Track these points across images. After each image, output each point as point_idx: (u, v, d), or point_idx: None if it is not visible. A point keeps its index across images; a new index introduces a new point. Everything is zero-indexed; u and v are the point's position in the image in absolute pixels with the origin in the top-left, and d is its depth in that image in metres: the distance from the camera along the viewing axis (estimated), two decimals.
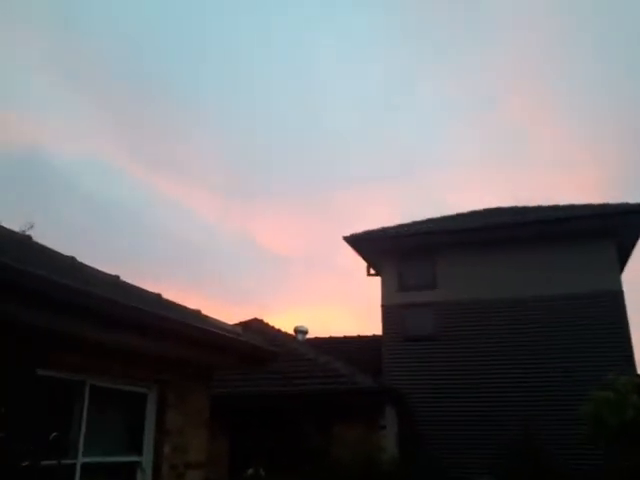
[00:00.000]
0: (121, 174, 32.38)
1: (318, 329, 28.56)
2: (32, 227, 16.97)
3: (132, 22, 28.30)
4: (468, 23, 27.70)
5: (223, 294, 35.70)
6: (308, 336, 16.69)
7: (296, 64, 32.44)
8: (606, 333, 13.74)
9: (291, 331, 16.38)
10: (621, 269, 15.36)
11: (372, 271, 16.69)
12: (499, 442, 12.98)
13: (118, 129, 32.36)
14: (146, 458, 5.87)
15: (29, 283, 3.78)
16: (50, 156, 31.41)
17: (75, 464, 5.00)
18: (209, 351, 5.99)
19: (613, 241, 14.47)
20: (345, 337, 17.73)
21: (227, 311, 44.76)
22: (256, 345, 6.90)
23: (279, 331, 15.65)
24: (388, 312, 15.69)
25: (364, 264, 16.79)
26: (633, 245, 15.12)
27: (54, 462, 4.61)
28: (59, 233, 22.93)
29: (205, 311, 6.81)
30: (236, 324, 12.03)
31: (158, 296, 6.39)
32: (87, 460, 5.10)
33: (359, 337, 17.47)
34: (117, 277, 6.17)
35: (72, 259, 5.76)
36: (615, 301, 13.99)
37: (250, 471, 11.02)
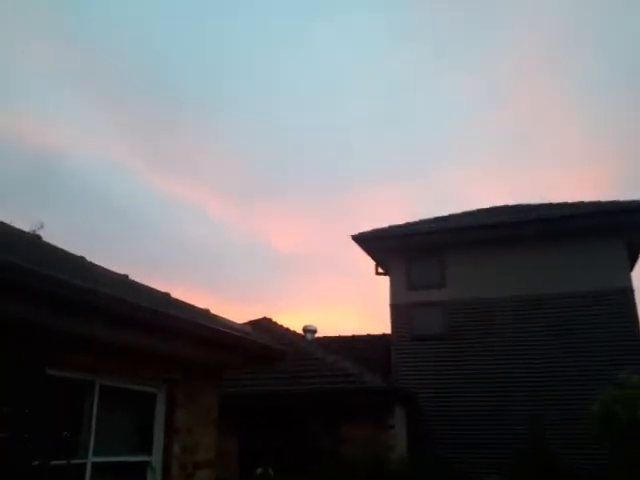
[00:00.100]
0: (134, 175, 32.59)
1: (327, 328, 28.55)
2: (42, 227, 17.09)
3: (149, 26, 28.46)
4: (475, 23, 27.70)
5: (233, 294, 35.78)
6: (317, 335, 16.67)
7: (306, 65, 32.53)
8: (616, 331, 13.65)
9: (300, 330, 16.37)
10: (631, 267, 15.25)
11: (380, 270, 16.65)
12: (507, 441, 12.94)
13: (131, 131, 32.52)
14: (156, 457, 5.88)
15: (38, 283, 3.79)
16: (64, 158, 31.61)
17: (85, 463, 5.01)
18: (218, 350, 5.99)
19: (622, 239, 14.37)
20: (354, 336, 17.70)
21: (237, 311, 44.89)
22: (264, 344, 6.90)
23: (288, 330, 15.65)
24: (397, 311, 15.65)
25: (372, 263, 16.77)
26: None
27: (64, 462, 4.62)
28: (71, 234, 23.11)
29: (215, 310, 6.83)
30: (245, 323, 12.06)
31: (167, 295, 6.41)
32: (97, 460, 5.11)
33: (368, 336, 17.44)
34: (126, 276, 6.19)
35: (81, 259, 5.79)
36: (625, 298, 13.89)
37: (259, 470, 11.03)
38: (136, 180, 32.90)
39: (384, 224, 16.60)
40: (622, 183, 31.41)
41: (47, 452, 4.40)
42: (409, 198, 33.13)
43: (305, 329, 16.32)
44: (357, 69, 31.66)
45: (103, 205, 30.36)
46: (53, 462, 4.45)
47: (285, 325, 15.94)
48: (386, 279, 16.27)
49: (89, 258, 5.94)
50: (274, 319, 15.87)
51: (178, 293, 6.58)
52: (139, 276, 6.32)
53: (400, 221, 16.86)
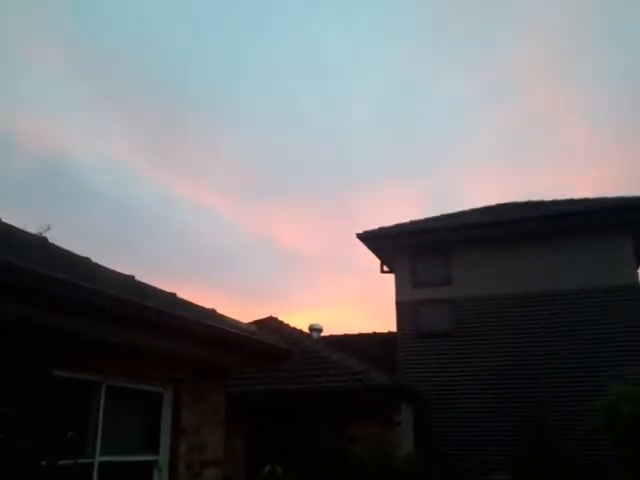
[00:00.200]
0: (138, 175, 32.66)
1: (333, 327, 28.59)
2: (49, 229, 17.19)
3: (149, 26, 28.51)
4: (476, 23, 27.68)
5: (240, 293, 35.85)
6: (323, 334, 16.68)
7: (312, 63, 32.50)
8: (623, 327, 13.61)
9: (306, 329, 16.39)
10: (638, 263, 15.20)
11: (386, 268, 16.64)
12: (513, 438, 12.92)
13: (135, 131, 32.61)
14: (162, 457, 5.91)
15: (44, 285, 3.82)
16: (67, 158, 31.71)
17: (92, 463, 5.05)
18: (224, 350, 6.01)
19: (629, 235, 14.33)
20: (360, 334, 17.72)
21: (244, 310, 44.94)
22: (271, 343, 6.91)
23: (294, 329, 15.69)
24: (402, 309, 15.66)
25: (378, 261, 16.76)
26: None
27: (71, 461, 4.65)
28: (80, 235, 23.20)
29: (222, 310, 6.85)
30: (252, 323, 12.07)
31: (173, 296, 6.43)
32: (104, 459, 5.15)
33: (374, 334, 17.45)
34: (132, 277, 6.21)
35: (87, 260, 5.81)
36: (632, 295, 13.85)
37: (267, 468, 11.06)
38: (141, 180, 33.02)
39: (389, 223, 16.62)
40: (622, 183, 31.42)
41: (54, 452, 4.43)
42: (414, 197, 33.14)
43: (311, 328, 16.34)
44: (358, 69, 31.69)
45: (109, 205, 30.48)
46: (60, 462, 4.49)
47: (291, 324, 16.00)
48: (392, 277, 16.27)
49: (97, 260, 5.97)
50: (280, 318, 15.92)
51: (186, 294, 6.61)
52: (147, 277, 6.35)
53: (406, 219, 16.87)
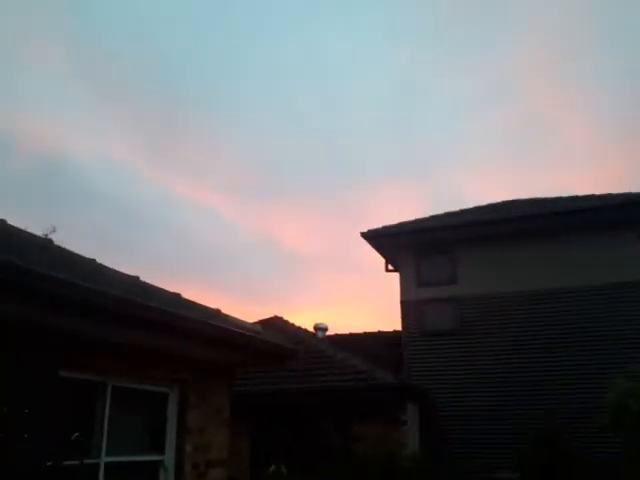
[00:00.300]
0: (140, 176, 32.69)
1: (338, 326, 28.59)
2: (54, 230, 17.22)
3: (149, 25, 28.55)
4: (482, 21, 27.65)
5: (245, 293, 35.87)
6: (328, 333, 16.68)
7: (312, 63, 32.49)
8: (631, 324, 13.56)
9: (311, 328, 16.40)
10: None
11: (390, 267, 16.63)
12: (520, 436, 12.89)
13: (136, 131, 32.65)
14: (168, 457, 5.92)
15: (49, 286, 3.83)
16: (70, 159, 31.77)
17: (98, 463, 5.06)
18: (229, 350, 6.02)
19: (636, 231, 14.24)
20: (365, 333, 17.71)
21: (249, 310, 44.99)
22: (275, 343, 6.92)
23: (299, 329, 15.68)
24: (407, 308, 15.63)
25: (382, 260, 16.74)
26: None
27: (77, 462, 4.67)
28: (81, 235, 23.26)
29: (226, 310, 6.86)
30: (257, 322, 12.09)
31: (177, 296, 6.45)
32: (110, 459, 5.16)
33: (379, 333, 17.43)
34: (137, 278, 6.23)
35: (92, 261, 5.83)
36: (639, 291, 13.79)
37: (272, 468, 11.08)
38: (141, 180, 33.04)
39: (390, 222, 16.60)
40: (623, 183, 31.39)
41: (60, 452, 4.44)
42: (414, 196, 33.08)
43: (316, 327, 16.35)
44: (358, 69, 31.69)
45: (109, 205, 30.52)
46: (66, 462, 4.50)
47: (296, 324, 15.99)
48: (396, 276, 16.25)
49: (101, 261, 6.00)
50: (285, 318, 15.92)
51: (187, 294, 6.62)
52: (148, 277, 6.37)
53: (406, 219, 16.83)
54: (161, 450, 5.89)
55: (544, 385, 13.63)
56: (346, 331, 18.05)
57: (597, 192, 15.60)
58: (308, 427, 11.58)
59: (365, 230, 16.10)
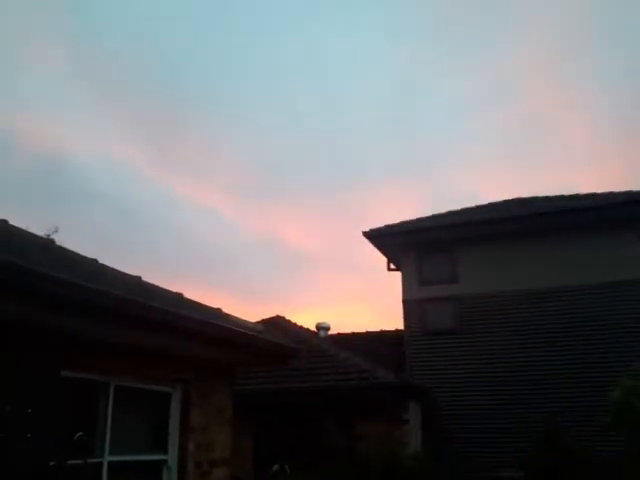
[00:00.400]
0: (140, 176, 32.73)
1: (340, 325, 28.59)
2: (57, 231, 17.25)
3: (149, 25, 28.58)
4: (482, 21, 27.67)
5: (246, 293, 35.91)
6: (330, 332, 16.69)
7: (312, 63, 32.51)
8: (632, 323, 13.55)
9: (313, 328, 16.41)
10: None
11: (392, 266, 16.63)
12: (523, 435, 12.89)
13: (136, 131, 32.67)
14: (171, 456, 5.94)
15: (51, 286, 3.84)
16: (70, 159, 31.81)
17: (102, 463, 5.08)
18: (231, 349, 6.04)
19: (636, 231, 14.22)
20: (367, 332, 17.72)
21: (250, 310, 45.00)
22: (277, 342, 6.94)
23: (301, 328, 15.69)
24: (409, 307, 15.64)
25: (384, 259, 16.75)
26: None
27: (80, 461, 4.69)
28: (82, 235, 23.29)
29: (228, 310, 6.88)
30: (258, 322, 12.10)
31: (179, 295, 6.47)
32: (113, 459, 5.18)
33: (381, 332, 17.44)
34: (139, 278, 6.25)
35: (94, 261, 5.85)
36: None
37: (275, 467, 11.08)
38: (141, 180, 33.09)
39: (390, 221, 16.58)
40: (623, 182, 31.37)
41: (63, 452, 4.46)
42: (414, 196, 33.10)
43: (318, 326, 16.36)
44: (358, 69, 31.70)
45: (109, 205, 30.56)
46: (70, 462, 4.52)
47: (298, 323, 16.00)
48: (398, 275, 16.26)
49: (102, 261, 6.02)
50: (287, 317, 15.93)
51: (191, 294, 6.64)
52: (149, 277, 6.38)
53: (406, 219, 16.82)
54: (164, 449, 5.91)
55: (546, 383, 13.62)
56: (348, 330, 18.08)
57: (617, 184, 15.57)
58: (310, 426, 11.58)
59: (367, 229, 16.12)
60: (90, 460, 4.87)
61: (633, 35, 26.39)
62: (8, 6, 22.23)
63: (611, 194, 15.05)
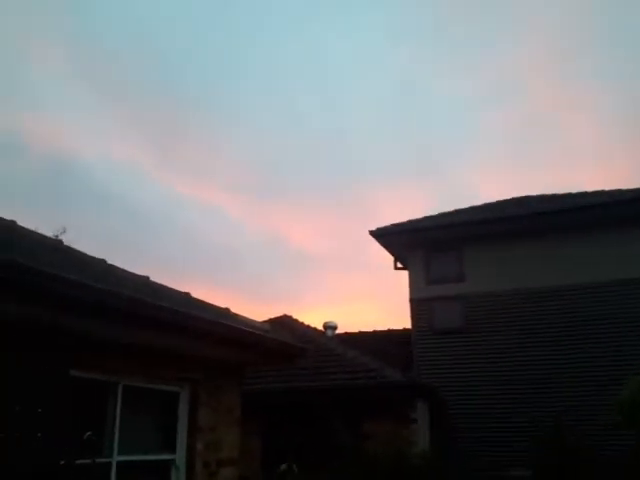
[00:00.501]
0: (144, 177, 32.80)
1: (347, 324, 28.59)
2: (65, 232, 17.31)
3: (150, 25, 28.64)
4: (483, 21, 27.61)
5: (254, 292, 35.93)
6: (337, 332, 16.69)
7: (313, 64, 32.49)
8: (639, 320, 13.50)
9: (321, 327, 16.41)
10: None
11: (399, 265, 16.61)
12: (531, 434, 12.84)
13: (138, 131, 32.72)
14: (179, 456, 5.95)
15: (61, 287, 3.85)
16: (70, 159, 31.86)
17: (110, 462, 5.09)
18: (239, 349, 6.04)
19: None
20: (375, 332, 17.70)
21: (254, 309, 45.07)
22: (285, 342, 6.94)
23: (308, 327, 15.69)
24: (416, 305, 15.61)
25: (391, 258, 16.73)
26: None
27: (89, 461, 4.70)
28: (89, 236, 23.36)
29: (235, 310, 6.88)
30: (266, 321, 12.11)
31: (187, 295, 6.48)
32: (122, 458, 5.19)
33: (389, 331, 17.42)
34: (147, 278, 6.26)
35: (103, 262, 5.86)
36: None
37: (283, 467, 11.08)
38: (145, 180, 33.15)
39: (399, 220, 16.57)
40: (627, 181, 31.21)
41: (72, 451, 4.47)
42: (430, 193, 33.06)
43: (325, 326, 16.36)
44: (359, 69, 31.67)
45: (115, 206, 30.64)
46: (79, 461, 4.53)
47: (306, 322, 15.99)
48: (405, 274, 16.24)
49: (109, 261, 6.03)
50: (295, 316, 15.93)
51: (198, 293, 6.65)
52: (159, 278, 6.40)
53: (407, 218, 16.78)
54: (172, 449, 5.92)
55: (553, 382, 13.59)
56: (355, 329, 18.07)
57: (624, 182, 15.53)
58: (318, 425, 11.58)
59: (374, 228, 16.10)
60: (99, 460, 4.89)
61: (633, 35, 26.35)
62: (8, 6, 22.32)
63: (618, 191, 14.98)
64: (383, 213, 38.87)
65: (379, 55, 31.29)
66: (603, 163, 29.36)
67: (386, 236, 16.16)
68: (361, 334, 17.63)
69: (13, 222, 5.47)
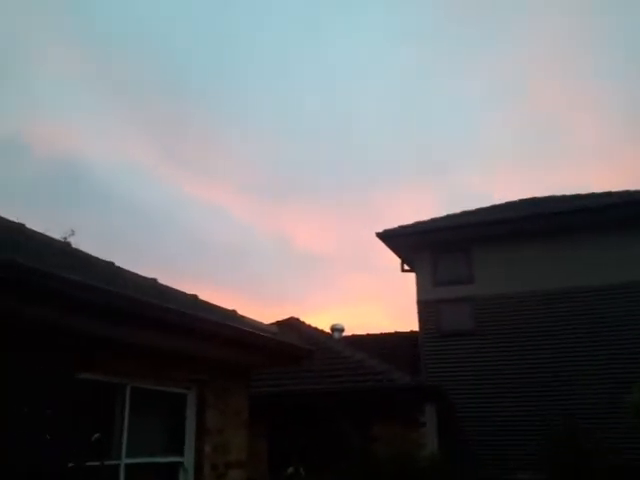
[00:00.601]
0: (149, 177, 32.89)
1: (355, 327, 28.57)
2: (73, 234, 17.36)
3: (153, 28, 28.76)
4: (485, 20, 27.58)
5: (256, 294, 35.93)
6: (345, 334, 16.67)
7: (324, 65, 32.49)
8: None
9: (328, 329, 16.40)
10: None
11: (406, 267, 16.57)
12: (541, 438, 12.77)
13: (151, 132, 32.83)
14: (188, 458, 5.95)
15: (69, 289, 3.86)
16: (71, 159, 31.93)
17: (119, 464, 5.10)
18: (246, 351, 6.04)
19: None
20: (382, 334, 17.65)
21: (261, 311, 45.05)
22: (291, 344, 6.94)
23: (315, 329, 15.68)
24: (423, 308, 15.57)
25: (398, 260, 16.70)
26: None
27: (98, 463, 4.71)
28: (94, 237, 23.42)
29: (242, 312, 6.88)
30: (273, 323, 12.12)
31: (195, 297, 6.48)
32: (130, 461, 5.20)
33: (396, 334, 17.36)
34: (155, 280, 6.28)
35: (110, 264, 5.88)
36: None
37: (290, 469, 11.07)
38: (151, 181, 33.25)
39: (407, 221, 16.54)
40: (631, 181, 31.08)
41: (81, 453, 4.48)
42: (437, 195, 33.01)
43: (333, 328, 16.35)
44: (376, 68, 31.64)
45: (121, 206, 30.69)
46: (87, 463, 4.54)
47: (313, 325, 15.99)
48: (412, 276, 16.20)
49: (118, 263, 6.05)
50: (302, 319, 15.93)
51: (204, 295, 6.65)
52: (165, 279, 6.41)
53: (413, 219, 16.75)
54: (180, 451, 5.92)
55: (564, 385, 13.50)
56: (362, 332, 18.04)
57: (613, 190, 15.44)
58: (325, 428, 11.57)
59: (380, 230, 16.07)
60: (107, 462, 4.89)
61: (633, 35, 26.26)
62: (8, 6, 22.41)
63: (626, 192, 14.91)
64: (390, 215, 38.86)
65: (379, 55, 31.33)
66: (606, 163, 29.27)
67: (393, 238, 16.13)
68: (368, 336, 17.58)
69: (22, 225, 5.50)
